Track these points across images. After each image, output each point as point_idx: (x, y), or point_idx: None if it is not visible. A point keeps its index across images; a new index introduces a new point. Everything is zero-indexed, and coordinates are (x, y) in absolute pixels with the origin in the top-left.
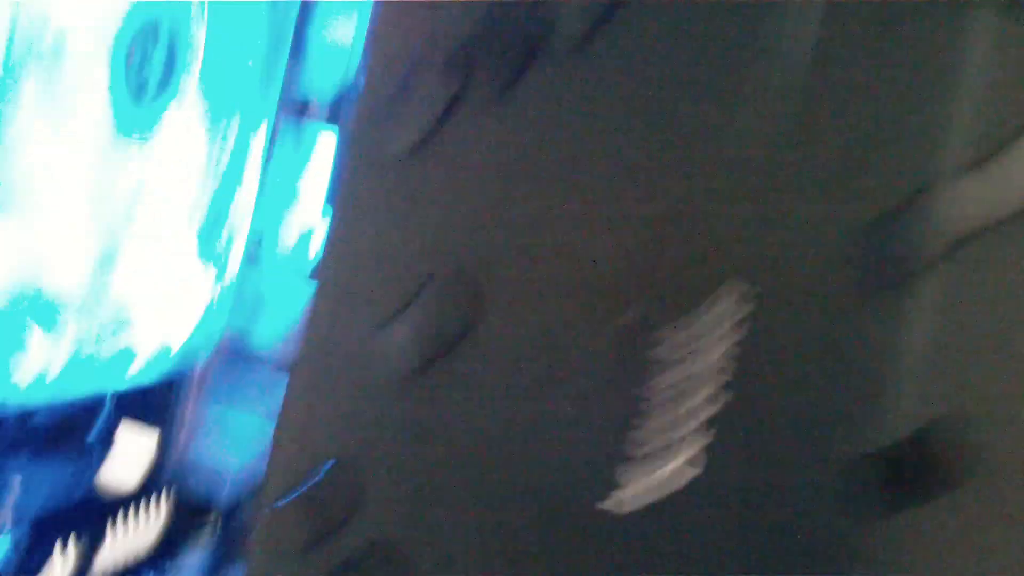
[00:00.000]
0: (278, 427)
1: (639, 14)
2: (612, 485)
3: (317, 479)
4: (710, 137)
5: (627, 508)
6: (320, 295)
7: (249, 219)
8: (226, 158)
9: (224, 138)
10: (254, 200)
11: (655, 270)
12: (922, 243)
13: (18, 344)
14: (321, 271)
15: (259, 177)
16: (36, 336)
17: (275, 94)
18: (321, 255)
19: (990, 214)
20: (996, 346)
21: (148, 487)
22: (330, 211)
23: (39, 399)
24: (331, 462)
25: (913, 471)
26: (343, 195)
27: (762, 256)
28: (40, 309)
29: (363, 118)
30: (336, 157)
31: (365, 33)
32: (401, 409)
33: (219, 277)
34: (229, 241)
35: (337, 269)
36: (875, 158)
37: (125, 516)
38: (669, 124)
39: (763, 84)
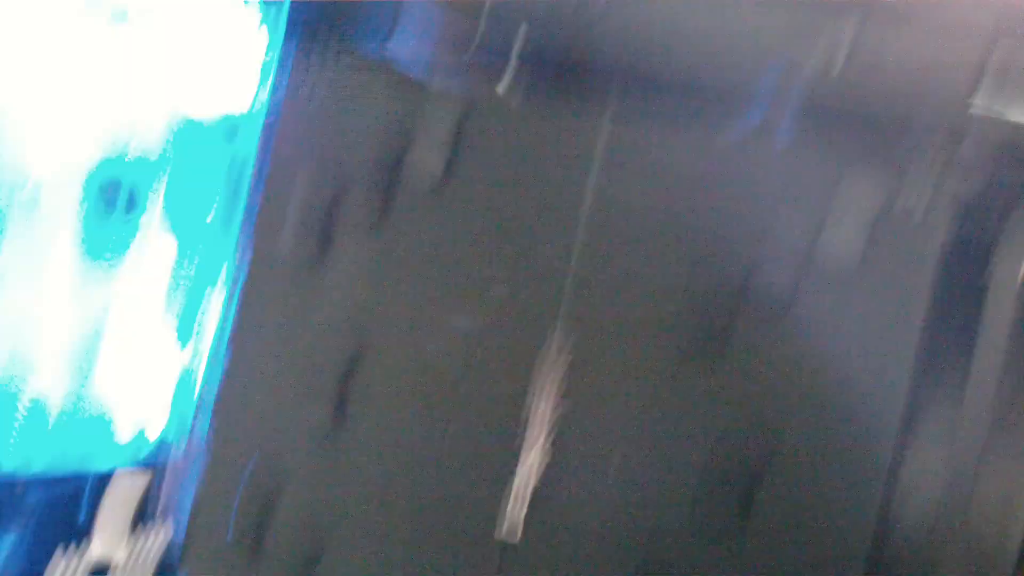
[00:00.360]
0: (211, 434)
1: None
2: (503, 516)
3: (246, 474)
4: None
5: (519, 536)
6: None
7: (219, 321)
8: (194, 271)
9: (191, 258)
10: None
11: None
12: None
13: (8, 427)
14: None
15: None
16: (24, 422)
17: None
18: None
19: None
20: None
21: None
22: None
23: (28, 475)
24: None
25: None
26: (246, 294)
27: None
28: (27, 399)
29: (261, 233)
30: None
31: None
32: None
33: (192, 373)
34: (199, 340)
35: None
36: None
37: None
38: (512, 237)
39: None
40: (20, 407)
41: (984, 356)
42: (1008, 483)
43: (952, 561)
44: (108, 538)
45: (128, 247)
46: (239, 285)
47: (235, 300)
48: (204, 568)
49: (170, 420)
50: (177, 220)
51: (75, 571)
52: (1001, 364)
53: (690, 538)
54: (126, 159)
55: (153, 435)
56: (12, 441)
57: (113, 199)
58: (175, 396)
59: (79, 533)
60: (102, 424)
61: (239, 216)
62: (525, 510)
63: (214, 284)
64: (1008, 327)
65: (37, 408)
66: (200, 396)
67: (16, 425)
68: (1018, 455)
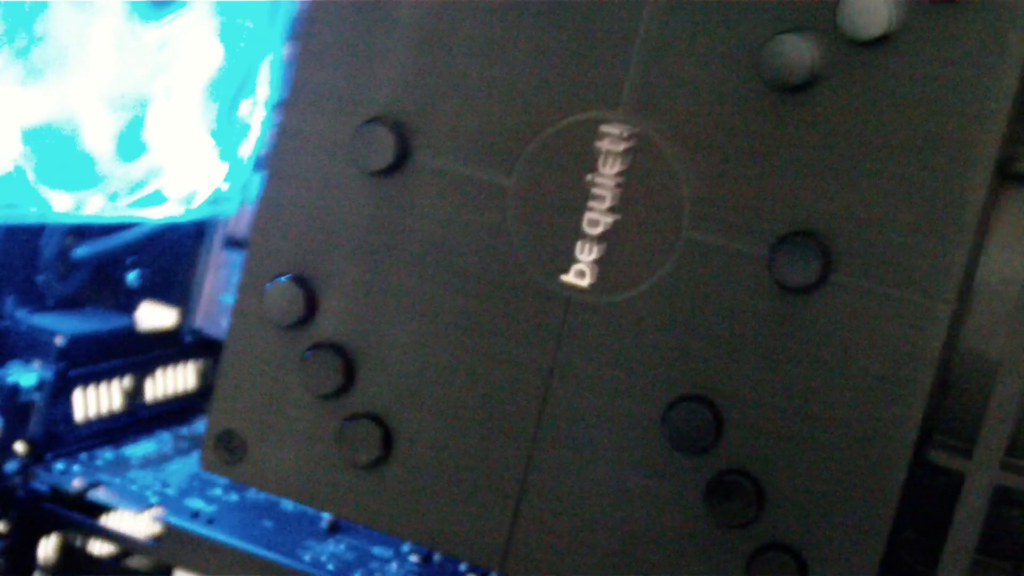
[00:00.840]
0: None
1: None
2: (572, 260)
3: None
4: None
5: (587, 282)
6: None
7: (273, 88)
8: (246, 40)
9: (242, 23)
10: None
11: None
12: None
13: (60, 173)
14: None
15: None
16: (76, 174)
17: None
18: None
19: None
20: None
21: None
22: None
23: (80, 221)
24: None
25: None
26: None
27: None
28: (77, 155)
29: None
30: None
31: None
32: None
33: (242, 138)
34: (253, 107)
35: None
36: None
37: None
38: None
39: None
40: (71, 154)
41: None
42: None
43: None
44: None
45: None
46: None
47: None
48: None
49: (225, 178)
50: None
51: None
52: None
53: (764, 300)
54: None
55: (205, 193)
56: (64, 186)
57: None
58: (229, 154)
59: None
60: (154, 177)
61: None
62: (594, 255)
63: (269, 53)
64: None
65: (87, 156)
66: (254, 157)
67: (67, 172)
68: None
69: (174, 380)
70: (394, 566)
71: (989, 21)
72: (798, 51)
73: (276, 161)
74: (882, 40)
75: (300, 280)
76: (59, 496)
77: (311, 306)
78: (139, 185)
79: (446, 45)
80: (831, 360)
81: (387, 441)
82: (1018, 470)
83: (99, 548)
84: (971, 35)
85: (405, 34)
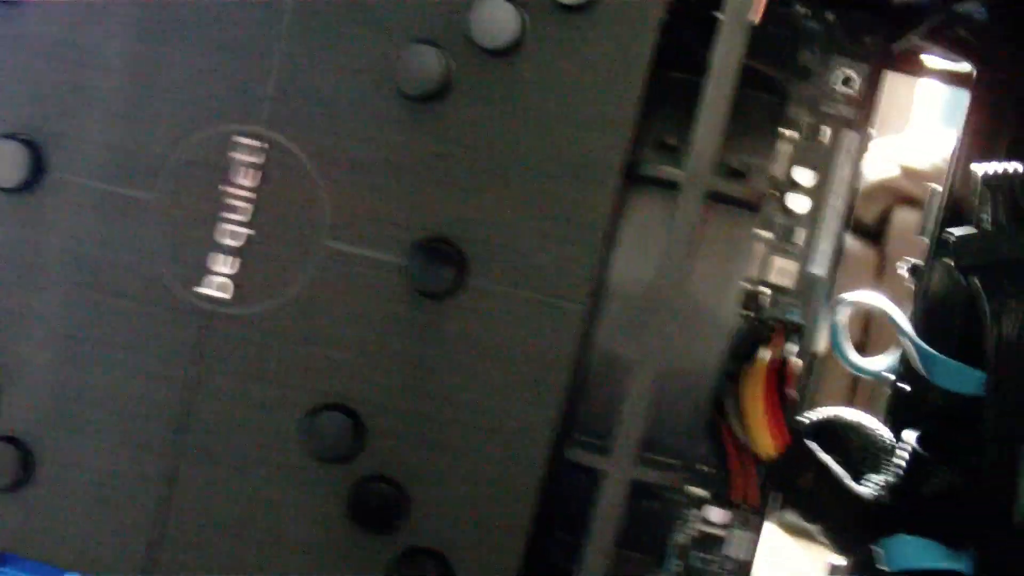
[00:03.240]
0: None
1: None
2: (210, 272)
3: None
4: None
5: (226, 294)
6: None
7: None
8: None
9: None
10: None
11: None
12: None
13: None
14: None
15: None
16: None
17: None
18: None
19: None
20: None
21: None
22: None
23: None
24: None
25: None
26: None
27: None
28: None
29: None
30: None
31: None
32: None
33: None
34: None
35: None
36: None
37: None
38: None
39: None
40: None
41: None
42: None
43: None
44: None
45: None
46: None
47: None
48: None
49: None
50: None
51: None
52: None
53: (403, 307)
54: None
55: None
56: None
57: None
58: None
59: None
60: None
61: None
62: (233, 267)
63: None
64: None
65: None
66: None
67: None
68: None
69: None
70: None
71: (615, 29)
72: (430, 60)
73: None
74: (511, 49)
75: None
76: None
77: None
78: None
79: (80, 61)
80: (470, 364)
81: (27, 463)
82: (654, 464)
83: None
84: (597, 43)
85: (35, 49)
